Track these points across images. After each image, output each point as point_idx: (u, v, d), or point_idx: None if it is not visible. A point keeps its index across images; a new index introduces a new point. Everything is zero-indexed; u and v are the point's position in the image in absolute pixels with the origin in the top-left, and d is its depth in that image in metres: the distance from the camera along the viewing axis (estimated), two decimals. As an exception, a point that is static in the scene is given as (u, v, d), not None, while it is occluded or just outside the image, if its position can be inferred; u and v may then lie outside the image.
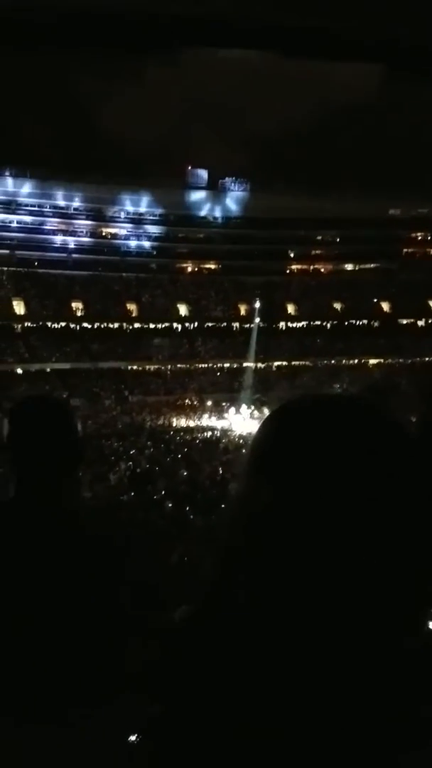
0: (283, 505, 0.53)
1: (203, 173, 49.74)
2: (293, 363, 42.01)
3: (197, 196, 48.91)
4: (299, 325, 45.56)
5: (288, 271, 48.79)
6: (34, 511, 1.20)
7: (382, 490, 0.52)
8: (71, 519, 1.25)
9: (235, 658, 0.54)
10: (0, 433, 1.29)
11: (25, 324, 40.17)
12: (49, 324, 40.44)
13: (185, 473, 13.75)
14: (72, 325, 41.00)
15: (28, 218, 43.90)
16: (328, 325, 45.45)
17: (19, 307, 40.60)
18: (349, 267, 49.01)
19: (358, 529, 0.51)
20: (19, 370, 37.06)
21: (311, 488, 0.52)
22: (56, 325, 40.58)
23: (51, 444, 1.21)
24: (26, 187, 43.86)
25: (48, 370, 37.38)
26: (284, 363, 42.17)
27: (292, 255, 49.09)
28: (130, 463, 15.65)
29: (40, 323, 40.24)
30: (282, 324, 45.45)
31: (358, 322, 45.61)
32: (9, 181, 43.48)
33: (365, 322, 45.81)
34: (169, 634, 0.63)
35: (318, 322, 45.47)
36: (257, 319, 41.90)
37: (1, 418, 1.24)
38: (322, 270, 49.15)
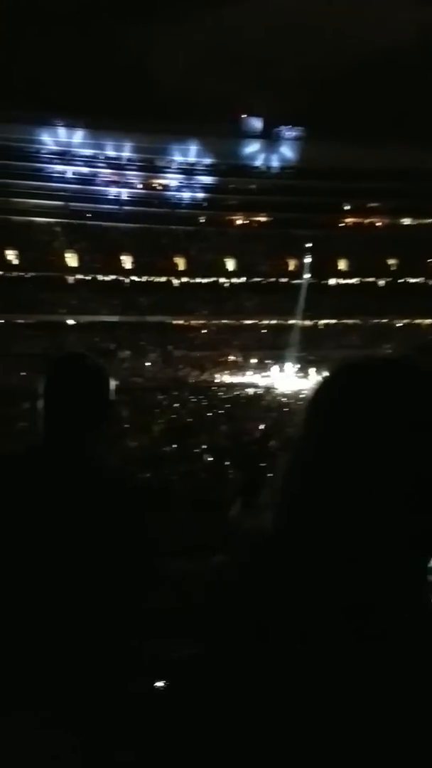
0: (340, 465, 0.54)
1: (257, 121, 48.04)
2: (342, 321, 41.14)
3: (250, 145, 47.43)
4: (350, 281, 44.33)
5: (341, 225, 47.18)
6: (58, 461, 1.25)
7: None
8: (94, 472, 1.28)
9: (282, 606, 0.54)
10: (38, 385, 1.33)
11: (77, 276, 40.72)
12: (99, 276, 40.85)
13: (226, 428, 13.86)
14: (121, 278, 41.29)
15: (82, 169, 43.82)
16: (381, 283, 44.04)
17: (71, 259, 41.10)
18: (406, 222, 46.93)
19: (413, 487, 0.52)
20: (70, 321, 37.86)
21: (368, 448, 0.53)
22: (105, 278, 40.96)
23: (79, 399, 1.26)
24: (80, 138, 43.61)
25: (97, 322, 38.03)
26: (332, 321, 41.36)
27: (346, 208, 47.32)
28: (173, 416, 15.86)
29: (91, 276, 40.70)
30: (332, 280, 44.33)
31: (412, 281, 43.99)
32: (63, 132, 43.31)
33: (421, 280, 44.12)
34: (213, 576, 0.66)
35: (370, 279, 44.10)
36: (306, 275, 40.97)
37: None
38: (378, 224, 47.27)
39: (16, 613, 1.17)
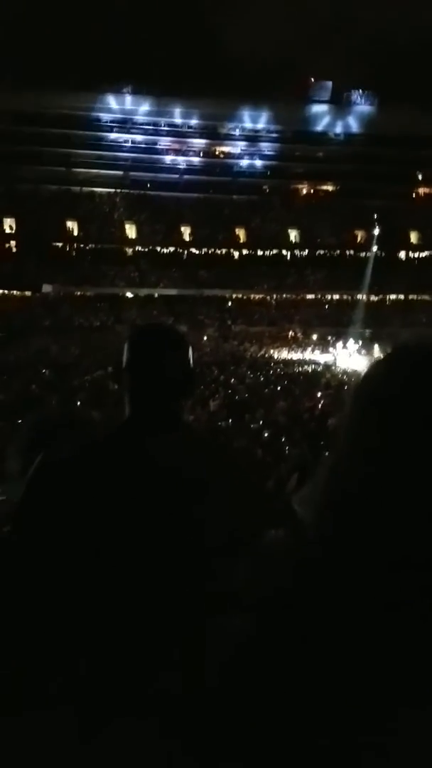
0: (393, 449, 0.51)
1: (327, 85, 45.91)
2: (410, 297, 39.09)
3: (318, 110, 45.47)
4: (421, 255, 42.04)
5: (413, 195, 44.72)
6: (149, 433, 1.23)
7: None
8: (184, 442, 1.27)
9: (335, 592, 0.51)
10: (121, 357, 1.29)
11: (136, 248, 40.58)
12: (158, 249, 40.54)
13: (284, 405, 13.36)
14: (180, 250, 40.81)
15: (141, 137, 43.39)
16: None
17: (131, 231, 40.97)
18: None
19: None
20: (129, 294, 37.85)
21: (426, 434, 0.49)
22: (165, 250, 40.60)
23: (168, 370, 1.26)
24: (141, 105, 43.09)
25: (156, 295, 37.83)
26: (400, 296, 39.35)
27: (419, 177, 44.79)
28: (230, 391, 15.55)
29: (150, 248, 40.45)
30: (402, 253, 42.18)
31: None
32: (124, 99, 42.90)
33: None
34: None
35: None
36: (374, 248, 39.06)
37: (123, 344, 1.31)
38: (452, 195, 44.61)
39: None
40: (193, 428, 1.32)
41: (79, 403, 11.03)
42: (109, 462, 1.20)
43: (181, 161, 43.55)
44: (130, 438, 1.23)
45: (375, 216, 39.76)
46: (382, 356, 0.56)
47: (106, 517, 1.13)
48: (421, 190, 45.02)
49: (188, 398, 1.32)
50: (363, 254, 40.23)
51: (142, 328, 1.41)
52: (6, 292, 34.86)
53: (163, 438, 1.23)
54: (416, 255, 42.28)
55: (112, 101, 42.74)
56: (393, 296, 39.50)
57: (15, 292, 34.93)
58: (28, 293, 35.14)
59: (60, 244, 38.58)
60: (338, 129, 45.25)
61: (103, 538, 1.12)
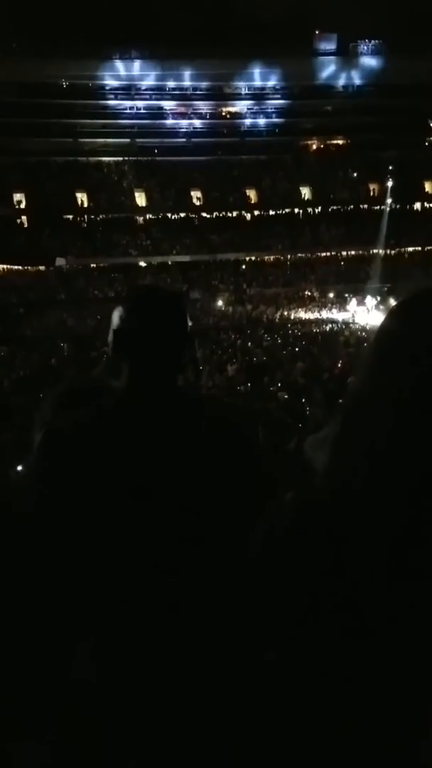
0: (409, 402, 0.50)
1: (332, 37, 44.16)
2: (428, 248, 38.25)
3: (325, 63, 43.87)
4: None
5: (427, 144, 43.24)
6: (150, 395, 1.19)
7: None
8: (189, 405, 1.23)
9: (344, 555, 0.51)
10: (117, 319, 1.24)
11: (147, 216, 40.20)
12: (169, 215, 40.10)
13: (303, 366, 13.39)
14: (191, 215, 40.32)
15: (147, 103, 42.47)
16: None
17: (140, 199, 40.53)
18: None
19: None
20: (142, 263, 37.71)
21: None
22: (176, 216, 40.15)
23: (166, 332, 1.22)
24: (144, 70, 42.03)
25: (169, 263, 37.61)
26: (418, 249, 38.52)
27: (431, 125, 43.27)
28: (248, 355, 15.61)
29: (161, 215, 40.03)
30: (417, 205, 41.10)
31: None
32: (128, 65, 41.86)
33: None
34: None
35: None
36: (389, 200, 38.09)
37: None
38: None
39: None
40: (194, 392, 1.28)
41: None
42: (109, 433, 1.16)
43: (188, 125, 42.61)
44: (129, 408, 1.19)
45: (388, 168, 38.68)
46: (398, 304, 0.55)
47: (107, 490, 1.10)
48: (434, 139, 43.57)
49: (187, 362, 1.26)
50: (378, 208, 39.30)
51: (136, 292, 1.35)
52: (20, 267, 34.99)
53: (162, 405, 1.19)
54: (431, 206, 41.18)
55: (115, 67, 41.75)
56: (410, 249, 38.69)
57: (28, 267, 35.06)
58: (41, 267, 35.25)
59: (71, 217, 38.40)
60: (345, 81, 43.74)
61: (105, 511, 1.08)
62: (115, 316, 1.24)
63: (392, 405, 0.50)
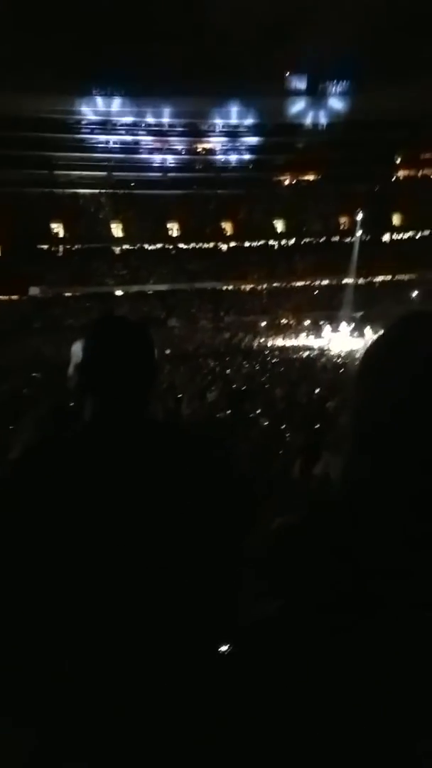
0: (398, 422, 0.51)
1: (301, 78, 46.06)
2: (398, 277, 39.38)
3: (296, 102, 45.62)
4: (405, 236, 42.28)
5: (394, 179, 44.90)
6: (116, 427, 1.16)
7: None
8: (155, 432, 1.20)
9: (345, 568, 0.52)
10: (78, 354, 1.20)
11: (124, 246, 40.59)
12: (146, 246, 40.57)
13: (281, 392, 13.51)
14: (168, 246, 40.87)
15: (123, 138, 43.31)
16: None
17: (117, 230, 40.96)
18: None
19: None
20: (119, 292, 37.89)
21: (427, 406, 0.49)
22: (153, 247, 40.65)
23: (129, 363, 1.18)
24: (121, 105, 42.98)
25: (148, 291, 37.88)
26: (389, 277, 39.64)
27: (398, 161, 44.98)
28: (227, 381, 15.62)
29: (138, 245, 40.47)
30: (386, 236, 42.39)
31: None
32: (103, 100, 42.77)
33: None
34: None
35: (426, 233, 41.94)
36: (359, 232, 39.27)
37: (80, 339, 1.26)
38: (432, 175, 44.80)
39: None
40: (166, 422, 1.22)
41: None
42: (77, 461, 1.12)
43: (165, 159, 43.55)
44: (96, 436, 1.16)
45: (357, 201, 39.99)
46: (383, 331, 0.58)
47: (75, 518, 1.06)
48: (400, 173, 45.23)
49: (154, 389, 1.24)
50: (348, 239, 40.45)
51: (98, 321, 1.25)
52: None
53: (129, 438, 1.16)
54: (400, 236, 42.50)
55: (91, 103, 42.64)
56: (381, 278, 39.75)
57: (1, 296, 34.87)
58: (14, 297, 35.12)
59: (46, 246, 38.52)
60: (315, 119, 45.48)
61: (70, 537, 1.05)
62: (76, 350, 1.18)
63: (392, 413, 0.52)
